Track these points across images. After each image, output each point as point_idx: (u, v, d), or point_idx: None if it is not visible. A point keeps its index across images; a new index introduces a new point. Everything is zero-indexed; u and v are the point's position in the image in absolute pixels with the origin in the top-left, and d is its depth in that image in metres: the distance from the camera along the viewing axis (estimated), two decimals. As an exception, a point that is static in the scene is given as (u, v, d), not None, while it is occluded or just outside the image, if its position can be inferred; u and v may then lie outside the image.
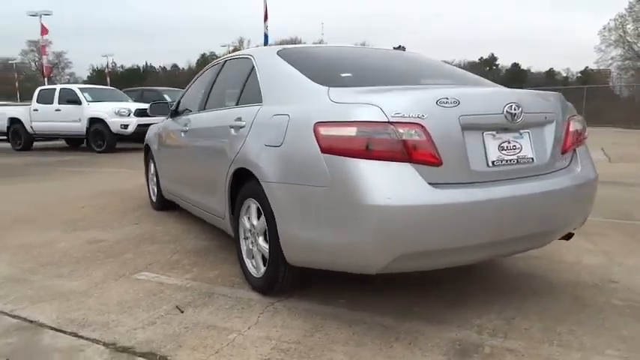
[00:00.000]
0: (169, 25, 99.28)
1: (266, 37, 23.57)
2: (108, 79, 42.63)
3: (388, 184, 2.08)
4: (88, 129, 12.18)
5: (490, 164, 2.27)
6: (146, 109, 5.36)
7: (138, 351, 2.24)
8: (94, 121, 12.07)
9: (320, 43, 70.12)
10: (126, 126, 11.74)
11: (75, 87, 13.46)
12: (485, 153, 2.27)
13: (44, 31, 27.18)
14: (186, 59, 71.60)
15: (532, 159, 2.41)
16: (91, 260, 3.55)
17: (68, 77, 61.83)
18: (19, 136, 13.53)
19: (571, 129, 2.62)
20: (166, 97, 14.12)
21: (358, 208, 2.08)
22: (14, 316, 2.62)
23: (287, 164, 2.45)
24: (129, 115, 11.88)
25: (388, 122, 2.10)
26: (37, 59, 58.68)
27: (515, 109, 2.31)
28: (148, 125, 6.11)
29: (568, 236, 2.80)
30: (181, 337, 2.36)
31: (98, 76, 53.31)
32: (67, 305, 2.76)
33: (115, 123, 11.74)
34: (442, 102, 2.18)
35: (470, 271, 3.14)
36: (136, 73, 60.73)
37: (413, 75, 2.88)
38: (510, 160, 2.34)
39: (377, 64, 2.99)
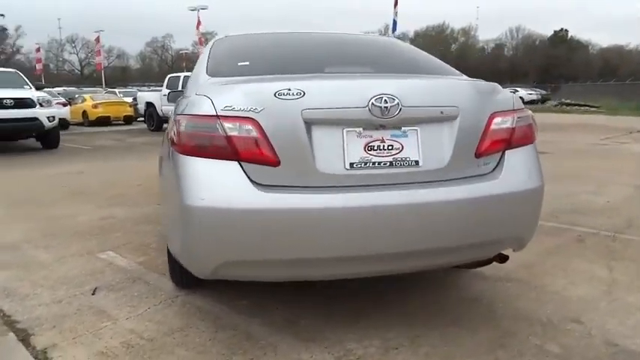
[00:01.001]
0: (323, 11, 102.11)
1: (394, 23, 23.06)
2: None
3: (207, 183, 1.89)
4: None
5: (348, 166, 1.93)
6: None
7: (18, 327, 2.37)
8: None
9: (470, 27, 66.03)
10: None
11: None
12: (344, 153, 1.94)
13: (199, 24, 29.99)
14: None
15: (416, 162, 1.99)
16: (83, 235, 3.86)
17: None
18: (153, 118, 15.21)
19: (493, 127, 2.10)
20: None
21: (180, 207, 1.93)
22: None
23: (163, 156, 2.38)
24: None
25: (216, 116, 1.91)
26: (201, 50, 65.20)
27: (386, 102, 1.92)
28: None
29: (501, 259, 2.29)
30: (65, 319, 2.44)
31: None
32: (19, 274, 3.05)
33: None
34: (282, 94, 1.90)
35: (407, 285, 2.74)
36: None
37: (321, 63, 2.53)
38: (382, 163, 1.96)
39: (293, 52, 2.70)
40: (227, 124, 1.89)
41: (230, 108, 1.90)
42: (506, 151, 2.13)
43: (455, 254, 2.11)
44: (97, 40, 38.45)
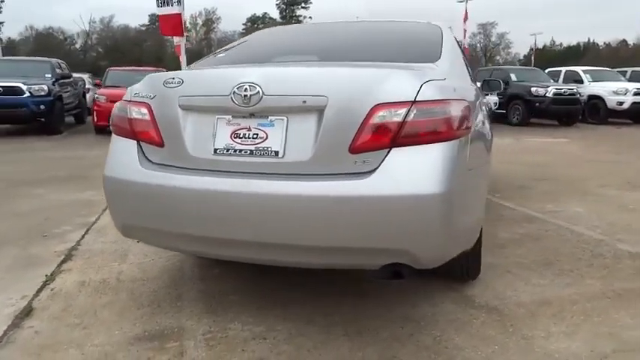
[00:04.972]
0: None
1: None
2: (532, 59, 42.13)
3: (114, 158, 2.24)
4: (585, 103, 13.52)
5: (213, 152, 2.01)
6: None
7: (72, 253, 3.18)
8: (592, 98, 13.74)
9: None
10: (621, 103, 13.30)
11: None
12: (214, 139, 2.02)
13: (466, 17, 29.36)
14: (636, 33, 60.97)
15: (277, 152, 1.91)
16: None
17: (507, 57, 64.11)
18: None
19: (374, 121, 1.83)
20: (512, 76, 13.55)
21: None
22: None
23: None
24: (625, 93, 13.34)
25: (128, 101, 2.24)
26: (481, 42, 63.53)
27: (247, 91, 1.91)
28: None
29: (394, 274, 1.98)
30: (100, 254, 3.14)
31: (540, 55, 51.52)
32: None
33: (611, 100, 13.28)
34: (168, 82, 2.11)
35: (368, 291, 2.54)
36: (573, 50, 57.09)
37: (279, 53, 2.48)
38: (244, 151, 1.96)
39: (270, 43, 2.67)
40: (133, 108, 2.21)
41: (137, 95, 2.21)
42: (393, 149, 1.84)
43: (326, 256, 1.94)
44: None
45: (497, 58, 63.97)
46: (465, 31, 31.09)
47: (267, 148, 1.94)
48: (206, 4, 71.19)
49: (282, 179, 1.89)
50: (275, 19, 66.37)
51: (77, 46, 62.43)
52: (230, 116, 2.00)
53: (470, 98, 2.24)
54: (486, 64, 56.56)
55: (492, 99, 11.89)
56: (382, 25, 2.90)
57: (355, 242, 1.85)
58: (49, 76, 11.19)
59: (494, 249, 3.19)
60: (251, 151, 1.96)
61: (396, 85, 1.87)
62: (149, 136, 2.14)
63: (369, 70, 2.01)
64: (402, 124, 1.82)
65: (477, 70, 16.28)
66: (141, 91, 2.20)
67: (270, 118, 1.95)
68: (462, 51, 2.96)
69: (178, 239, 2.14)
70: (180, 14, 14.82)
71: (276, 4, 66.23)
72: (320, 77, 1.97)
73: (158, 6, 11.12)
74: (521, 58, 60.76)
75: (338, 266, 2.08)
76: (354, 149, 1.85)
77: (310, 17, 65.72)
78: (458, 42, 3.05)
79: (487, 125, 2.69)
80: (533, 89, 12.54)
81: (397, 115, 1.83)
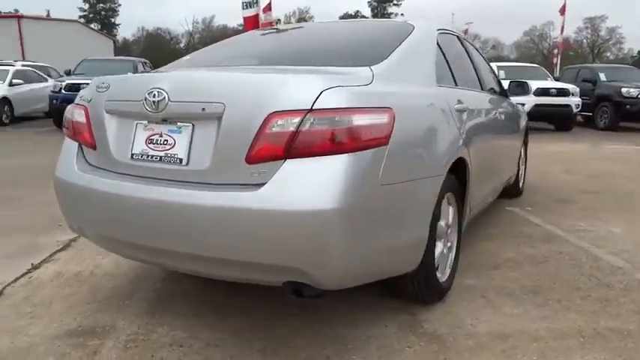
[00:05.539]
0: None
1: None
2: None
3: (61, 158, 2.33)
4: None
5: (130, 157, 2.02)
6: None
7: (71, 244, 3.40)
8: None
9: None
10: None
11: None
12: (133, 144, 2.03)
13: (564, 9, 27.18)
14: None
15: (181, 160, 1.88)
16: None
17: (617, 54, 58.57)
18: None
19: (269, 130, 1.72)
20: (601, 76, 12.36)
21: None
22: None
23: None
24: None
25: (76, 104, 2.32)
26: (588, 38, 58.65)
27: (155, 97, 1.89)
28: None
29: (295, 292, 1.86)
30: (92, 246, 3.32)
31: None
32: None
33: None
34: (99, 87, 2.15)
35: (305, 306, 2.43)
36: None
37: (227, 57, 2.41)
38: (154, 157, 1.94)
39: (231, 47, 2.61)
40: (75, 111, 2.28)
41: (81, 97, 2.28)
42: (287, 160, 1.73)
43: (223, 268, 1.88)
44: (465, 32, 40.00)
45: (607, 54, 58.76)
46: (562, 25, 28.84)
47: (174, 155, 1.91)
48: (300, 4, 72.61)
49: (182, 187, 1.86)
50: (367, 17, 66.11)
51: (182, 45, 66.90)
52: (147, 121, 2.00)
53: (408, 105, 2.06)
54: (594, 61, 52.11)
55: (575, 100, 11.05)
56: (351, 25, 2.77)
57: (247, 256, 1.78)
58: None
59: (485, 270, 2.92)
60: (160, 157, 1.94)
61: (294, 91, 1.75)
62: (85, 139, 2.21)
63: (267, 75, 1.92)
64: (295, 134, 1.71)
65: (564, 68, 15.09)
66: (84, 95, 2.27)
67: (178, 124, 1.92)
68: (442, 53, 2.72)
69: (112, 243, 2.19)
70: (257, 15, 15.22)
71: (368, 2, 65.94)
72: (217, 83, 1.91)
73: (243, 8, 11.53)
74: (635, 54, 55.26)
75: (238, 280, 2.01)
76: (250, 159, 1.77)
77: (402, 14, 64.62)
78: (444, 43, 2.81)
79: (450, 135, 2.42)
80: (623, 90, 11.31)
81: (292, 124, 1.72)
